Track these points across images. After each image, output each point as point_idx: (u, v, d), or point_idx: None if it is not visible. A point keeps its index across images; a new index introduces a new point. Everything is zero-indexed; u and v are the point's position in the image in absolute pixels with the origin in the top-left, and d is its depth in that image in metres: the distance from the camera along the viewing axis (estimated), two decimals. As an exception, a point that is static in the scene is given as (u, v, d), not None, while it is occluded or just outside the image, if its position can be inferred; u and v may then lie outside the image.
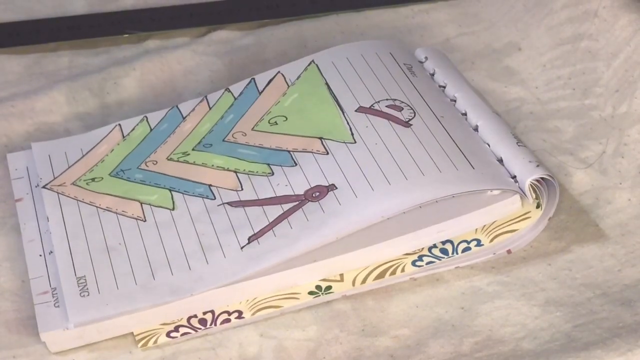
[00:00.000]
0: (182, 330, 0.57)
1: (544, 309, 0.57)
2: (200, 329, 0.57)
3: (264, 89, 0.68)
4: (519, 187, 0.60)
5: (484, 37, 0.76)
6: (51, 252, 0.60)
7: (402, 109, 0.64)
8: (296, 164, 0.62)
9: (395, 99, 0.65)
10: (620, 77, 0.68)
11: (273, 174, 0.62)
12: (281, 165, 0.62)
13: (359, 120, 0.64)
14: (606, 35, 0.70)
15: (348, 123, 0.64)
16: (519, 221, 0.60)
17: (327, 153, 0.62)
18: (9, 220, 0.64)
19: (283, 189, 0.61)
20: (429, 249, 0.60)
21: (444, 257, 0.60)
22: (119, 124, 0.67)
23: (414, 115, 0.64)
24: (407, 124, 0.63)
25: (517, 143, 0.62)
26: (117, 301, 0.56)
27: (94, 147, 0.66)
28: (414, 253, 0.59)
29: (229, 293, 0.57)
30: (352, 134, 0.63)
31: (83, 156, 0.65)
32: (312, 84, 0.67)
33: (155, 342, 0.57)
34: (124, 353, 0.56)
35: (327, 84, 0.67)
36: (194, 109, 0.68)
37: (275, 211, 0.60)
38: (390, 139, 0.62)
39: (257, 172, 0.62)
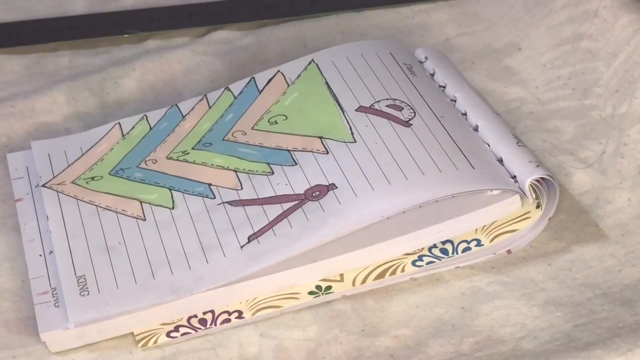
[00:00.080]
0: (182, 330, 0.57)
1: (544, 309, 0.57)
2: (200, 329, 0.57)
3: (263, 88, 0.68)
4: (519, 187, 0.60)
5: (484, 37, 0.76)
6: (51, 252, 0.60)
7: (402, 108, 0.64)
8: (296, 163, 0.62)
9: (395, 99, 0.65)
10: (620, 77, 0.68)
11: (273, 173, 0.62)
12: (281, 165, 0.62)
13: (359, 120, 0.64)
14: (606, 35, 0.70)
15: (348, 122, 0.64)
16: (519, 221, 0.60)
17: (327, 152, 0.62)
18: (9, 220, 0.64)
19: (283, 188, 0.61)
20: (429, 249, 0.60)
21: (444, 257, 0.60)
22: (119, 123, 0.67)
23: (414, 115, 0.64)
24: (407, 123, 0.63)
25: (517, 143, 0.62)
26: (117, 300, 0.56)
27: (93, 145, 0.66)
28: (414, 253, 0.59)
29: (229, 293, 0.57)
30: (352, 134, 0.63)
31: (82, 155, 0.65)
32: (312, 83, 0.67)
33: (155, 342, 0.57)
34: (124, 353, 0.56)
35: (327, 83, 0.67)
36: (193, 108, 0.68)
37: (275, 210, 0.60)
38: (390, 138, 0.62)
39: (257, 171, 0.62)
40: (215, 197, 0.61)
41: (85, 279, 0.57)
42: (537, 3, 0.75)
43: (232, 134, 0.65)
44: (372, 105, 0.65)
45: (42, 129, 0.70)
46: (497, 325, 0.57)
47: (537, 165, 0.60)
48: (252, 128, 0.65)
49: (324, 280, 0.59)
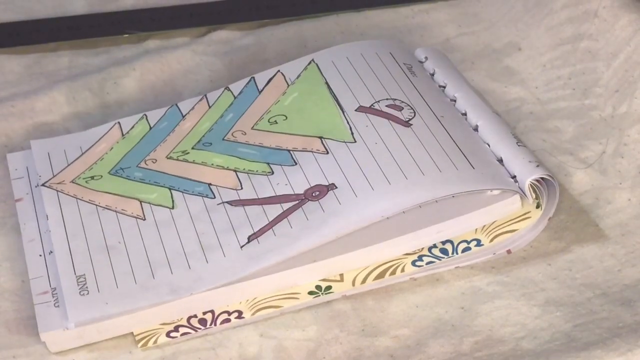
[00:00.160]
0: (182, 330, 0.57)
1: (544, 309, 0.57)
2: (200, 329, 0.57)
3: (263, 88, 0.68)
4: (519, 187, 0.60)
5: (483, 37, 0.76)
6: (51, 252, 0.60)
7: (402, 108, 0.64)
8: (296, 163, 0.62)
9: (395, 99, 0.65)
10: (620, 77, 0.68)
11: (273, 173, 0.62)
12: (281, 165, 0.62)
13: (359, 120, 0.64)
14: (606, 35, 0.70)
15: (348, 122, 0.64)
16: (519, 221, 0.60)
17: (327, 152, 0.62)
18: (9, 220, 0.64)
19: (283, 188, 0.61)
20: (429, 249, 0.60)
21: (444, 257, 0.60)
22: (118, 122, 0.67)
23: (414, 115, 0.64)
24: (407, 123, 0.63)
25: (517, 143, 0.62)
26: (116, 300, 0.56)
27: (93, 145, 0.66)
28: (414, 253, 0.59)
29: (229, 293, 0.57)
30: (352, 134, 0.63)
31: (82, 154, 0.65)
32: (312, 83, 0.67)
33: (155, 342, 0.57)
34: (124, 353, 0.56)
35: (327, 83, 0.67)
36: (193, 108, 0.68)
37: (275, 210, 0.60)
38: (390, 138, 0.62)
39: (257, 171, 0.62)
40: (215, 197, 0.61)
41: (85, 278, 0.57)
42: (537, 3, 0.75)
43: (232, 134, 0.65)
44: (372, 105, 0.65)
45: (42, 129, 0.70)
46: (497, 325, 0.57)
47: (537, 165, 0.60)
48: (252, 128, 0.65)
49: (324, 280, 0.58)
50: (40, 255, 0.60)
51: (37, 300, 0.57)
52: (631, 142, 0.65)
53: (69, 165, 0.65)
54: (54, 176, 0.64)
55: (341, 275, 0.59)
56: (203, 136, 0.65)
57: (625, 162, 0.65)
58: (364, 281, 0.59)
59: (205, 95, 0.68)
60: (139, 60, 0.75)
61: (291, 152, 0.63)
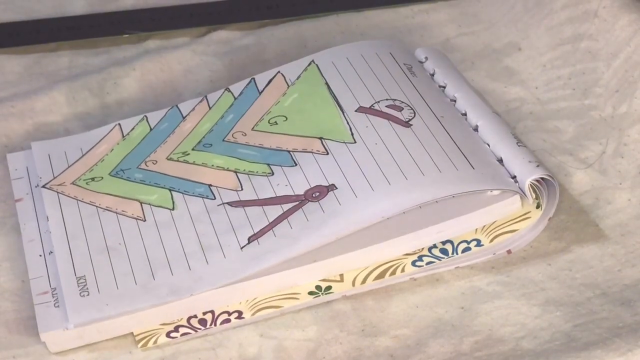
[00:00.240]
0: (182, 330, 0.57)
1: (544, 309, 0.57)
2: (200, 329, 0.57)
3: (264, 88, 0.68)
4: (519, 187, 0.60)
5: (483, 37, 0.76)
6: (51, 252, 0.60)
7: (402, 109, 0.64)
8: (296, 164, 0.62)
9: (395, 99, 0.65)
10: (620, 77, 0.68)
11: (273, 174, 0.62)
12: (281, 165, 0.62)
13: (359, 120, 0.64)
14: (606, 36, 0.70)
15: (348, 123, 0.64)
16: (519, 221, 0.60)
17: (327, 153, 0.62)
18: (9, 220, 0.64)
19: (283, 189, 0.61)
20: (429, 249, 0.60)
21: (444, 257, 0.60)
22: (119, 124, 0.67)
23: (414, 115, 0.64)
24: (407, 124, 0.63)
25: (517, 143, 0.62)
26: (117, 301, 0.56)
27: (93, 146, 0.66)
28: (414, 253, 0.59)
29: (229, 293, 0.57)
30: (352, 134, 0.63)
31: (83, 156, 0.65)
32: (312, 84, 0.67)
33: (155, 342, 0.57)
34: (124, 353, 0.56)
35: (327, 84, 0.67)
36: (193, 109, 0.68)
37: (275, 211, 0.60)
38: (390, 139, 0.62)
39: (257, 172, 0.62)
40: (215, 198, 0.61)
41: (85, 279, 0.57)
42: (537, 3, 0.75)
43: (232, 135, 0.65)
44: (372, 105, 0.65)
45: (42, 129, 0.70)
46: (497, 325, 0.57)
47: (537, 165, 0.60)
48: (252, 129, 0.65)
49: (324, 280, 0.59)
50: (40, 256, 0.60)
51: (37, 300, 0.57)
52: (631, 142, 0.65)
53: (69, 166, 0.65)
54: (54, 178, 0.64)
55: (341, 275, 0.59)
56: (203, 137, 0.65)
57: (625, 162, 0.65)
58: (364, 281, 0.59)
59: (206, 96, 0.68)
60: (139, 61, 0.75)
61: (291, 152, 0.63)
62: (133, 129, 0.67)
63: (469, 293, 0.59)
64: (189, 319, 0.57)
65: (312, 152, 0.63)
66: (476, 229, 0.60)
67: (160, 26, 0.78)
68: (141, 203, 0.62)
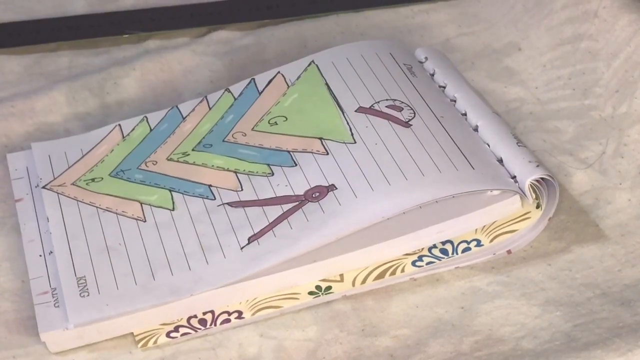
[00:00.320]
0: (182, 330, 0.57)
1: (544, 309, 0.57)
2: (200, 329, 0.57)
3: (264, 89, 0.68)
4: (519, 187, 0.60)
5: (483, 37, 0.76)
6: (51, 252, 0.60)
7: (402, 109, 0.64)
8: (296, 164, 0.62)
9: (395, 99, 0.65)
10: (620, 77, 0.68)
11: (273, 174, 0.62)
12: (281, 166, 0.62)
13: (358, 121, 0.64)
14: (606, 36, 0.70)
15: (348, 123, 0.64)
16: (519, 221, 0.60)
17: (327, 153, 0.62)
18: (9, 220, 0.64)
19: (283, 189, 0.61)
20: (429, 249, 0.60)
21: (444, 258, 0.60)
22: (119, 124, 0.67)
23: (414, 116, 0.64)
24: (407, 124, 0.63)
25: (517, 143, 0.62)
26: (117, 301, 0.56)
27: (93, 147, 0.66)
28: (414, 253, 0.59)
29: (229, 293, 0.57)
30: (352, 134, 0.63)
31: (83, 156, 0.65)
32: (312, 84, 0.67)
33: (155, 342, 0.57)
34: (124, 353, 0.56)
35: (327, 84, 0.67)
36: (194, 109, 0.68)
37: (275, 211, 0.60)
38: (390, 139, 0.62)
39: (257, 172, 0.62)
40: (215, 198, 0.61)
41: (85, 280, 0.57)
42: (537, 3, 0.75)
43: (232, 135, 0.65)
44: (372, 105, 0.65)
45: (42, 129, 0.70)
46: (496, 325, 0.57)
47: (537, 166, 0.60)
48: (252, 129, 0.65)
49: (324, 280, 0.59)
50: (40, 256, 0.60)
51: (37, 300, 0.57)
52: (631, 142, 0.65)
53: (69, 167, 0.65)
54: (54, 178, 0.64)
55: (341, 275, 0.59)
56: (203, 138, 0.65)
57: (625, 162, 0.65)
58: (364, 281, 0.59)
59: (206, 97, 0.68)
60: (139, 61, 0.75)
61: (291, 153, 0.63)
62: (133, 129, 0.67)
63: (469, 293, 0.59)
64: (189, 319, 0.57)
65: (312, 152, 0.63)
66: (476, 229, 0.60)
67: (160, 26, 0.78)
68: (141, 203, 0.62)
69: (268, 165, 0.63)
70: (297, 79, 0.68)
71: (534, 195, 0.60)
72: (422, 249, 0.59)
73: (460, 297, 0.58)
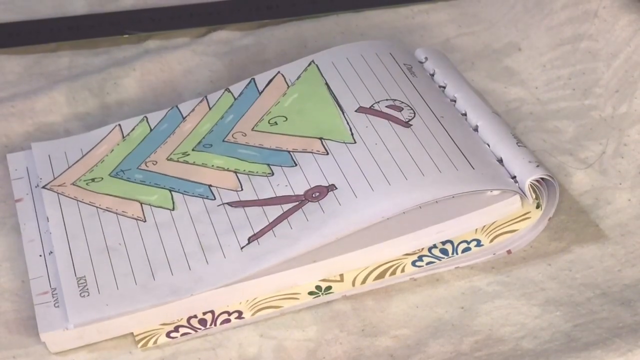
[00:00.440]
0: (182, 330, 0.57)
1: (544, 309, 0.57)
2: (200, 329, 0.57)
3: (264, 89, 0.68)
4: (519, 188, 0.60)
5: (483, 38, 0.76)
6: (51, 252, 0.60)
7: (402, 109, 0.64)
8: (296, 164, 0.62)
9: (395, 99, 0.65)
10: (620, 77, 0.68)
11: (273, 174, 0.62)
12: (281, 166, 0.62)
13: (359, 121, 0.64)
14: (606, 36, 0.70)
15: (348, 123, 0.64)
16: (519, 221, 0.60)
17: (327, 153, 0.62)
18: (9, 220, 0.64)
19: (283, 189, 0.61)
20: (429, 249, 0.60)
21: (444, 258, 0.60)
22: (119, 124, 0.67)
23: (414, 116, 0.64)
24: (407, 124, 0.63)
25: (517, 143, 0.62)
26: (117, 301, 0.56)
27: (93, 147, 0.66)
28: (414, 253, 0.59)
29: (229, 293, 0.57)
30: (352, 134, 0.63)
31: (83, 156, 0.65)
32: (312, 84, 0.67)
33: (155, 342, 0.57)
34: (124, 353, 0.56)
35: (327, 84, 0.67)
36: (194, 109, 0.68)
37: (275, 211, 0.60)
38: (390, 139, 0.62)
39: (257, 172, 0.62)
40: (215, 198, 0.61)
41: (85, 280, 0.57)
42: (537, 3, 0.75)
43: (232, 135, 0.65)
44: (372, 105, 0.65)
45: (42, 129, 0.70)
46: (497, 325, 0.57)
47: (537, 166, 0.60)
48: (252, 129, 0.65)
49: (324, 280, 0.59)
50: (40, 256, 0.60)
51: (37, 300, 0.57)
52: (631, 142, 0.65)
53: (69, 167, 0.65)
54: (54, 178, 0.64)
55: (341, 275, 0.59)
56: (203, 137, 0.65)
57: (625, 163, 0.65)
58: (364, 281, 0.59)
59: (206, 97, 0.68)
60: (139, 61, 0.75)
61: (291, 153, 0.63)
62: (133, 129, 0.67)
63: (469, 293, 0.59)
64: (189, 319, 0.57)
65: (312, 152, 0.63)
66: (476, 229, 0.60)
67: (160, 26, 0.78)
68: (141, 203, 0.62)
69: (268, 165, 0.63)
70: (297, 79, 0.68)
71: (534, 196, 0.60)
72: (422, 249, 0.59)
73: (460, 297, 0.58)
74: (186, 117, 0.67)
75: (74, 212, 0.61)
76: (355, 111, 0.64)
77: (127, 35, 0.78)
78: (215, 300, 0.57)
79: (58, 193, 0.63)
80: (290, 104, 0.66)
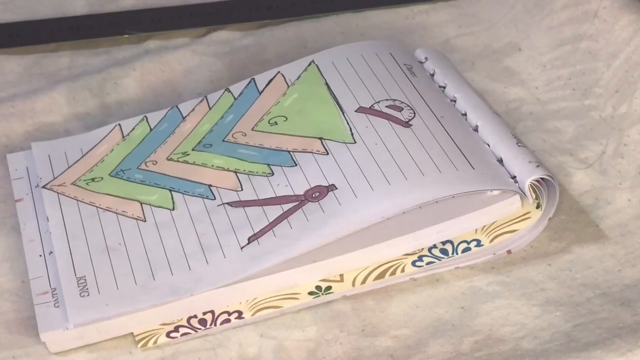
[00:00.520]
0: (182, 330, 0.57)
1: (544, 309, 0.57)
2: (200, 329, 0.57)
3: (264, 89, 0.68)
4: (519, 188, 0.60)
5: (483, 38, 0.76)
6: (51, 252, 0.60)
7: (402, 109, 0.64)
8: (296, 164, 0.62)
9: (395, 99, 0.65)
10: (620, 77, 0.68)
11: (273, 174, 0.62)
12: (281, 166, 0.62)
13: (359, 121, 0.64)
14: (606, 36, 0.70)
15: (348, 123, 0.64)
16: (519, 221, 0.60)
17: (327, 153, 0.62)
18: (9, 220, 0.64)
19: (283, 189, 0.61)
20: (429, 249, 0.60)
21: (444, 258, 0.60)
22: (119, 124, 0.67)
23: (414, 116, 0.64)
24: (407, 124, 0.63)
25: (517, 143, 0.62)
26: (117, 301, 0.56)
27: (93, 147, 0.66)
28: (414, 253, 0.59)
29: (229, 293, 0.57)
30: (352, 134, 0.63)
31: (83, 156, 0.65)
32: (312, 84, 0.67)
33: (155, 342, 0.57)
34: (124, 353, 0.56)
35: (327, 84, 0.67)
36: (193, 109, 0.68)
37: (275, 211, 0.60)
38: (390, 139, 0.62)
39: (257, 172, 0.62)
40: (215, 198, 0.61)
41: (85, 280, 0.57)
42: (537, 3, 0.75)
43: (232, 135, 0.65)
44: (372, 105, 0.65)
45: (42, 129, 0.70)
46: (497, 325, 0.57)
47: (537, 166, 0.60)
48: (252, 129, 0.65)
49: (324, 280, 0.59)
50: (40, 256, 0.60)
51: (37, 300, 0.57)
52: (631, 142, 0.65)
53: (69, 167, 0.65)
54: (54, 178, 0.64)
55: (341, 275, 0.59)
56: (203, 137, 0.65)
57: (625, 163, 0.65)
58: (364, 281, 0.59)
59: (206, 97, 0.68)
60: (139, 61, 0.75)
61: (291, 153, 0.63)
62: (133, 129, 0.67)
63: (469, 293, 0.59)
64: (189, 319, 0.57)
65: (312, 152, 0.63)
66: (476, 229, 0.60)
67: (160, 26, 0.78)
68: (141, 203, 0.62)
69: (268, 165, 0.63)
70: (297, 79, 0.68)
71: (534, 196, 0.60)
72: (422, 249, 0.59)
73: (460, 297, 0.58)
74: (186, 117, 0.67)
75: (74, 212, 0.61)
76: (355, 111, 0.64)
77: (127, 35, 0.78)
78: (215, 300, 0.57)
79: (58, 193, 0.63)
80: (290, 104, 0.66)
